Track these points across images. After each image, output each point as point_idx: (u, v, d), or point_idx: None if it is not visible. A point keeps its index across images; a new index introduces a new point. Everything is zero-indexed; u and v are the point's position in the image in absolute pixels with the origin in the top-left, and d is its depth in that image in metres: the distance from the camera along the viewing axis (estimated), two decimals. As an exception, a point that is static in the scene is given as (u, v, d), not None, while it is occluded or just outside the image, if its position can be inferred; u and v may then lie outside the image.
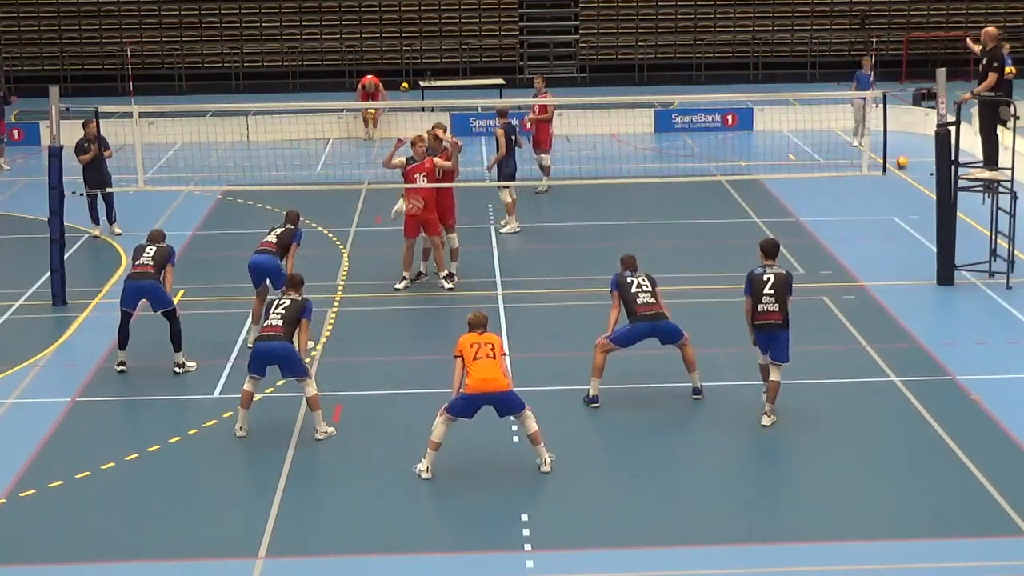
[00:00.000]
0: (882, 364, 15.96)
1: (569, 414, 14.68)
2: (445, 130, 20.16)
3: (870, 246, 21.31)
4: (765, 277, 14.10)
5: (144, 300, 16.12)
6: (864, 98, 28.98)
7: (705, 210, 23.88)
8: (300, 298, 14.34)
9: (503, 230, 22.30)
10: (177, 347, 16.11)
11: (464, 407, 13.01)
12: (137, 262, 16.18)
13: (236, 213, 24.53)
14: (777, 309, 14.00)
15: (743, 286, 14.32)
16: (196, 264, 20.59)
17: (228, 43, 40.39)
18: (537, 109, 25.23)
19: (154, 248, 16.29)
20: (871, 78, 29.36)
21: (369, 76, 32.06)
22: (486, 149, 24.87)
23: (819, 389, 15.17)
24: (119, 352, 16.19)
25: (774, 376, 14.17)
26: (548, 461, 13.19)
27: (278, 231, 17.20)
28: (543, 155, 25.24)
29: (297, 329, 14.12)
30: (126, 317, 16.12)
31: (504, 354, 13.36)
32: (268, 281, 16.93)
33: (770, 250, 14.42)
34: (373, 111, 31.44)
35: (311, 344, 16.56)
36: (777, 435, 14.09)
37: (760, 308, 14.02)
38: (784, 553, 11.64)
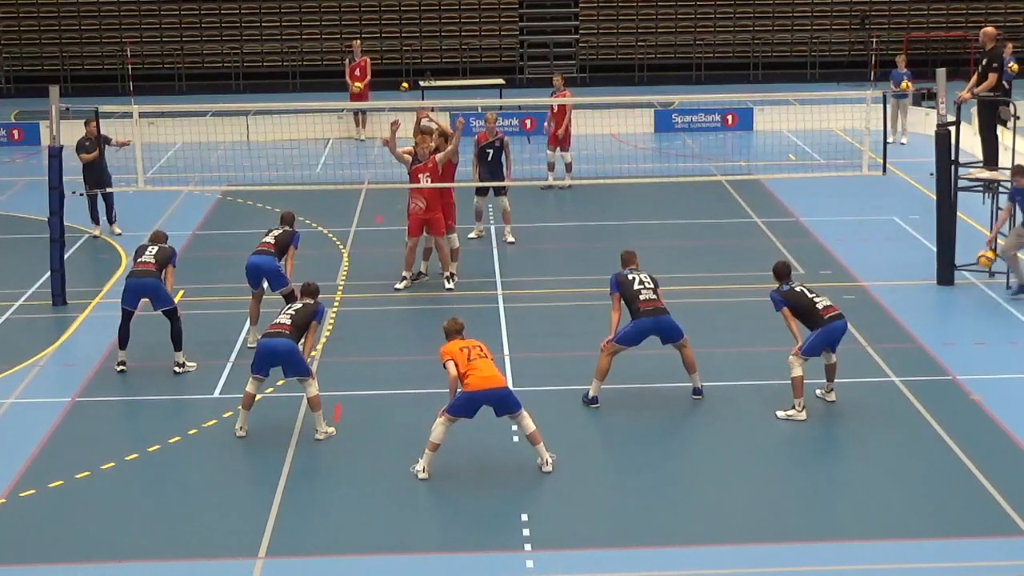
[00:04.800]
0: (882, 364, 15.96)
1: (569, 414, 14.68)
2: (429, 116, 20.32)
3: (870, 246, 21.31)
4: (799, 288, 14.61)
5: (145, 299, 16.12)
6: (905, 95, 29.54)
7: (705, 210, 23.88)
8: (313, 302, 14.38)
9: (510, 239, 21.88)
10: (177, 347, 16.11)
11: (465, 406, 13.01)
12: (139, 260, 16.19)
13: (236, 213, 24.52)
14: (832, 303, 14.64)
15: (772, 305, 14.64)
16: (196, 264, 20.58)
17: (228, 43, 40.39)
18: (556, 107, 25.37)
19: (156, 248, 16.31)
20: (906, 76, 29.69)
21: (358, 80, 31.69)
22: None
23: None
24: (119, 352, 16.18)
25: (835, 359, 14.69)
26: (549, 461, 13.19)
27: (276, 233, 17.18)
28: (565, 153, 25.51)
29: (305, 331, 14.15)
30: (127, 316, 16.11)
31: (489, 352, 13.34)
32: (266, 283, 16.92)
33: (784, 272, 14.82)
34: (358, 86, 31.34)
35: None
36: (777, 435, 14.09)
37: (820, 305, 14.48)
38: (784, 553, 11.64)
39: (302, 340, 14.12)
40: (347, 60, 32.28)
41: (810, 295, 14.56)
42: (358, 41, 33.28)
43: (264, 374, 14.07)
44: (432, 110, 21.64)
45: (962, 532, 11.91)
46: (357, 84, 31.39)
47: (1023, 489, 12.61)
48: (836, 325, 14.44)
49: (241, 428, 14.14)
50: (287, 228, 17.28)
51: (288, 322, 14.08)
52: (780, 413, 14.42)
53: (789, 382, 14.44)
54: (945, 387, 15.29)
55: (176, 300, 16.68)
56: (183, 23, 40.35)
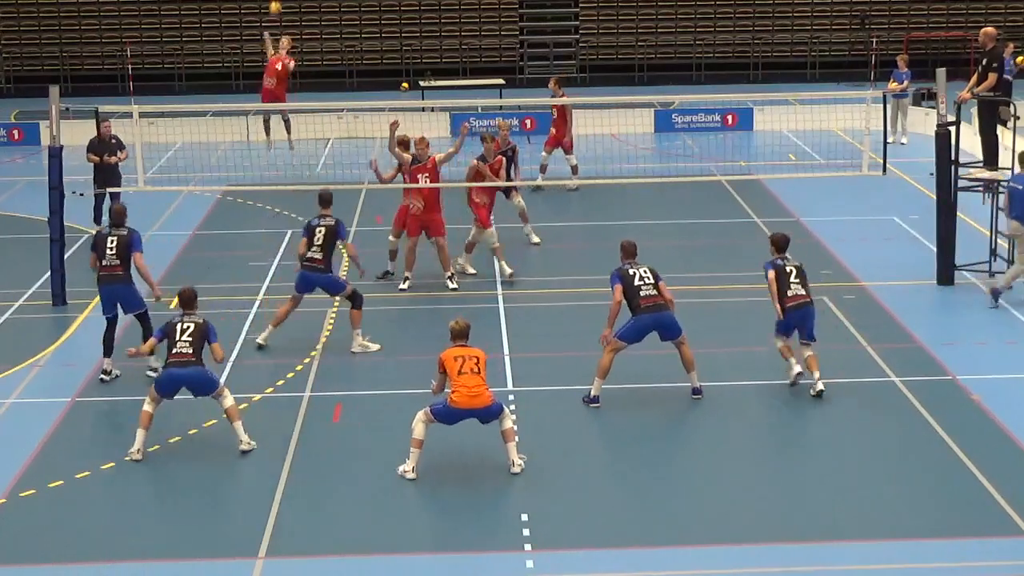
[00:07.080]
0: (882, 364, 15.96)
1: (569, 414, 14.68)
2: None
3: (870, 246, 21.31)
4: (788, 269, 15.06)
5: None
6: (905, 95, 29.63)
7: (705, 210, 23.88)
8: (202, 321, 13.85)
9: (534, 239, 21.71)
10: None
11: (447, 416, 13.04)
12: (103, 263, 15.64)
13: (236, 213, 24.52)
14: (805, 292, 15.03)
15: (763, 271, 15.26)
16: (196, 264, 20.56)
17: (228, 43, 40.40)
18: (556, 113, 25.31)
19: (115, 239, 15.64)
20: (906, 76, 29.73)
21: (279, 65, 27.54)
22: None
23: (819, 389, 15.17)
24: (104, 360, 15.82)
25: (810, 352, 15.03)
26: (518, 463, 13.14)
27: (320, 235, 16.53)
28: (570, 156, 25.42)
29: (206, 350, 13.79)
30: (111, 323, 15.75)
31: (485, 365, 13.11)
32: (321, 289, 16.76)
33: (781, 244, 15.32)
34: (271, 81, 27.17)
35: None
36: (777, 435, 14.11)
37: (790, 293, 14.91)
38: (784, 553, 11.64)
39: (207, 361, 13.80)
40: (269, 52, 27.77)
41: (792, 279, 14.97)
42: (287, 38, 28.27)
43: (168, 397, 13.81)
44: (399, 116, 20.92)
45: (962, 532, 11.91)
46: (270, 79, 27.18)
47: (1023, 489, 12.61)
48: (792, 315, 14.92)
49: (138, 451, 13.59)
50: (328, 220, 16.65)
51: (190, 351, 13.65)
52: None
53: (788, 381, 14.85)
54: (945, 387, 15.29)
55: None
56: (183, 23, 40.35)
